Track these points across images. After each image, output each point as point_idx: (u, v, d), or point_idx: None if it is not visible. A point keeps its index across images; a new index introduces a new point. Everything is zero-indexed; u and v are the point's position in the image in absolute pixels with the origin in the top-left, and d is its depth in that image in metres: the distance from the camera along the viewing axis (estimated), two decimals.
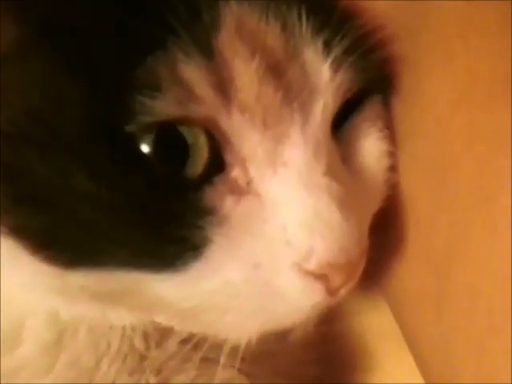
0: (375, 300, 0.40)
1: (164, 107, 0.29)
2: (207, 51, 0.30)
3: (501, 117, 0.32)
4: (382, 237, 0.35)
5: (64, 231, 0.30)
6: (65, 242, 0.30)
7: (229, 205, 0.31)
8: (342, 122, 0.35)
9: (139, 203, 0.30)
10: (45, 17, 0.29)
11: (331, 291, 0.32)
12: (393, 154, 0.36)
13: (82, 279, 0.31)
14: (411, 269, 0.35)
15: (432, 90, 0.34)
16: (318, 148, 0.32)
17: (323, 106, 0.32)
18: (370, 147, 0.35)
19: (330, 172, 0.32)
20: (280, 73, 0.31)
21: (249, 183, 0.32)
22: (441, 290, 0.33)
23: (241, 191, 0.31)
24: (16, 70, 0.29)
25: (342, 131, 0.35)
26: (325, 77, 0.32)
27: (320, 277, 0.31)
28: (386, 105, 0.36)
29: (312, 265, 0.31)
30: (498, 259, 0.30)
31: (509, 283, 0.30)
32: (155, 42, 0.29)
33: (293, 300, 0.32)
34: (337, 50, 0.32)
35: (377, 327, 0.41)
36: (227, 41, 0.30)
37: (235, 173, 0.31)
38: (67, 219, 0.30)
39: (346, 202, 0.32)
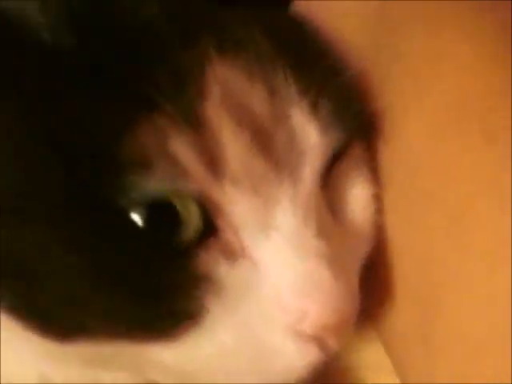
0: (369, 335, 0.39)
1: (154, 184, 0.29)
2: (194, 122, 0.29)
3: (474, 147, 0.31)
4: (368, 278, 0.35)
5: (54, 307, 0.29)
6: (55, 316, 0.30)
7: (223, 270, 0.31)
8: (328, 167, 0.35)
9: (128, 274, 0.29)
10: (26, 94, 0.29)
11: (325, 350, 0.32)
12: (378, 196, 0.35)
13: (73, 348, 0.31)
14: (397, 309, 0.35)
15: (404, 122, 0.34)
16: (307, 210, 0.32)
17: (311, 167, 0.32)
18: (357, 195, 0.35)
19: (320, 232, 0.32)
20: (268, 138, 0.31)
21: (242, 248, 0.31)
22: (427, 330, 0.33)
23: (234, 256, 0.31)
24: None
25: (328, 177, 0.35)
26: (312, 139, 0.32)
27: (314, 338, 0.31)
28: (370, 144, 0.36)
29: (305, 327, 0.31)
30: (482, 300, 0.30)
31: (496, 323, 0.29)
32: (140, 117, 0.29)
33: (287, 361, 0.32)
34: (324, 110, 0.32)
35: (372, 361, 0.41)
36: (213, 110, 0.30)
37: (228, 238, 0.31)
38: (54, 294, 0.29)
39: (337, 261, 0.31)
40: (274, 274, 0.31)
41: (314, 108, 0.32)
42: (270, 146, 0.31)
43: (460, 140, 0.32)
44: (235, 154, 0.30)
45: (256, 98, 0.31)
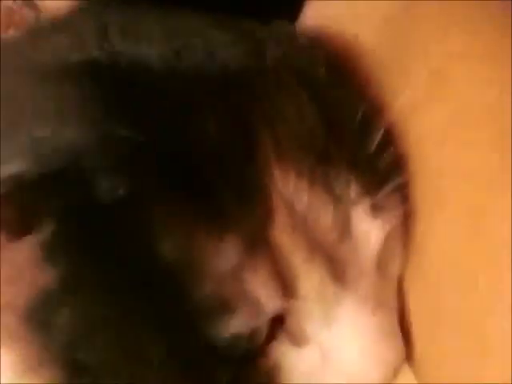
0: None
1: (237, 325, 0.30)
2: (264, 248, 0.30)
3: (485, 153, 0.31)
4: None
5: None
6: None
7: (290, 358, 0.32)
8: None
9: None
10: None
11: None
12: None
13: None
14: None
15: (417, 130, 0.34)
16: (367, 294, 0.32)
17: (372, 262, 0.33)
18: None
19: (376, 303, 0.33)
20: (332, 250, 0.31)
21: (306, 337, 0.32)
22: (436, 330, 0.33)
23: (299, 343, 0.32)
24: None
25: None
26: (374, 241, 0.32)
27: None
28: None
29: None
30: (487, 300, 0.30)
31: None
32: (213, 252, 0.29)
33: None
34: (384, 211, 0.32)
35: None
36: (281, 232, 0.30)
37: (293, 328, 0.32)
38: None
39: (391, 328, 0.33)
40: (336, 357, 0.32)
41: (375, 209, 0.32)
42: (334, 257, 0.31)
43: (473, 138, 0.32)
44: (305, 275, 0.31)
45: (318, 207, 0.31)
